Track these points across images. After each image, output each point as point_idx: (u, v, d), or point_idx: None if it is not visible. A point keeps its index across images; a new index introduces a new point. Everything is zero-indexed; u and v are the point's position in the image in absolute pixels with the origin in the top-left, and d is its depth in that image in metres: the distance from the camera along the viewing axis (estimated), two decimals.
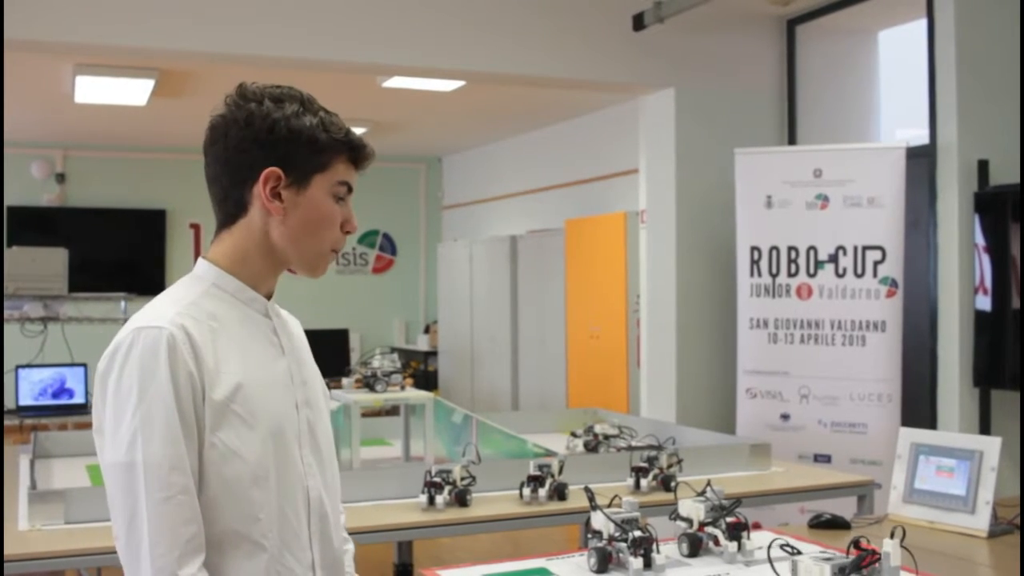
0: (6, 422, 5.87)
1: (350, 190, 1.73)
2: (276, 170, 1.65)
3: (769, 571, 2.18)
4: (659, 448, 3.60)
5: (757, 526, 2.64)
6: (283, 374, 1.72)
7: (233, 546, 1.59)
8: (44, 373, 6.18)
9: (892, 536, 2.06)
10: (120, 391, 1.54)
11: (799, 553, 2.14)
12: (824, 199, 5.04)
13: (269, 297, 1.75)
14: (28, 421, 5.92)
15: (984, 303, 4.71)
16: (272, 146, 1.65)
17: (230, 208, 1.70)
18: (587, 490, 2.35)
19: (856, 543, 2.05)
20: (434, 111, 8.71)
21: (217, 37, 4.73)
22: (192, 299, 1.65)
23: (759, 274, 5.18)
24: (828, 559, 2.05)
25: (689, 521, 2.43)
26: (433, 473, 3.15)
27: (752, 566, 2.35)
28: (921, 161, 4.92)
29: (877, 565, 2.04)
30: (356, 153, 1.72)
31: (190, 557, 1.52)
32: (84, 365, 6.24)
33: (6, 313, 6.08)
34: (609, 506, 2.32)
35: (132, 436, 1.52)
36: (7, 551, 2.60)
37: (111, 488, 1.55)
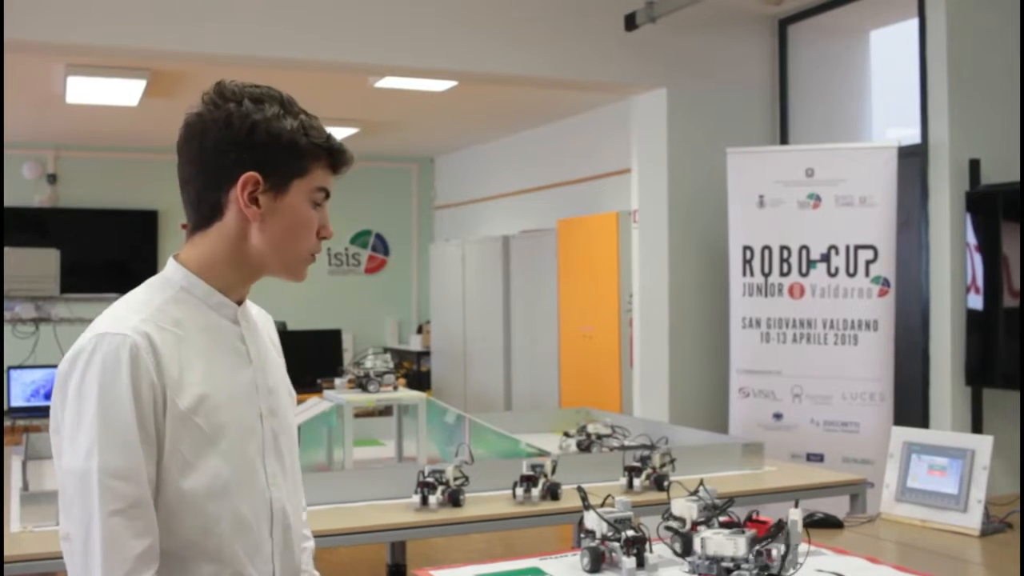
0: None
1: (327, 195, 1.69)
2: (255, 175, 1.61)
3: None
4: (652, 448, 3.60)
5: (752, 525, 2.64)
6: (248, 384, 1.68)
7: (191, 557, 1.57)
8: (36, 374, 6.16)
9: (796, 506, 2.12)
10: (81, 397, 1.51)
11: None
12: (816, 198, 5.05)
13: (240, 303, 1.71)
14: (20, 422, 5.90)
15: (976, 302, 4.72)
16: (251, 149, 1.61)
17: (204, 211, 1.66)
18: (580, 490, 2.35)
19: (751, 517, 2.17)
20: (426, 111, 8.71)
21: (209, 38, 4.72)
22: (158, 304, 1.61)
23: (751, 273, 5.18)
24: (740, 533, 2.11)
25: (682, 520, 2.43)
26: (426, 473, 3.15)
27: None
28: (913, 160, 4.93)
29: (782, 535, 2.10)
30: (335, 158, 1.68)
31: (142, 570, 1.50)
32: None
33: None
34: (602, 506, 2.32)
35: (89, 444, 1.49)
36: None
37: (67, 493, 1.52)
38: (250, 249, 1.65)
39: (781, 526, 2.08)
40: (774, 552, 2.07)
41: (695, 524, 2.41)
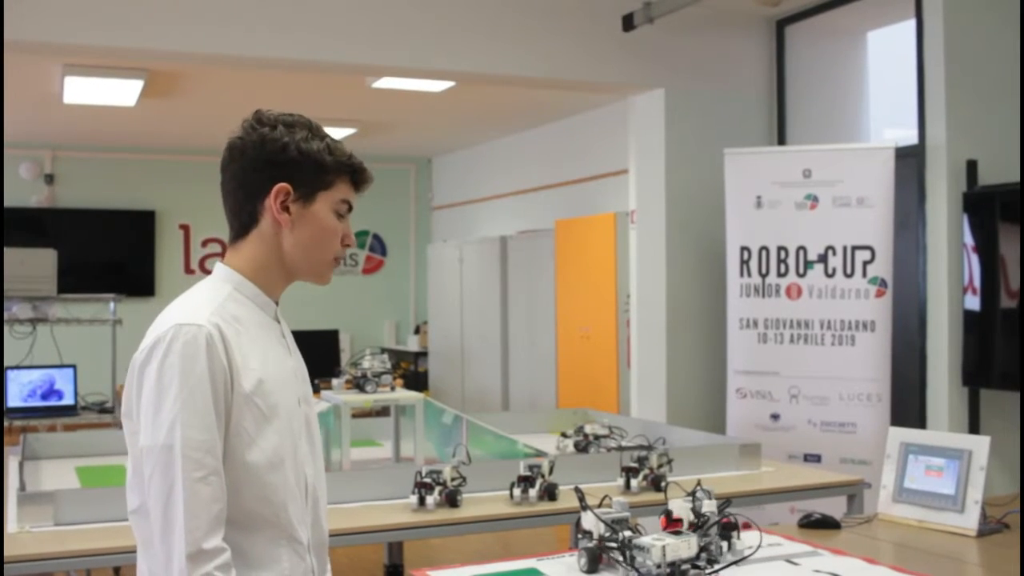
0: None
1: (350, 208, 1.92)
2: (286, 185, 1.84)
3: (759, 571, 2.19)
4: (649, 448, 3.60)
5: (747, 526, 2.65)
6: (291, 372, 1.91)
7: (251, 524, 1.78)
8: (33, 375, 6.15)
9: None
10: (161, 380, 1.71)
11: None
12: (813, 199, 5.05)
13: (277, 303, 1.94)
14: (17, 423, 5.89)
15: (973, 303, 4.72)
16: (283, 165, 1.84)
17: (244, 219, 1.87)
18: (577, 490, 2.35)
19: (667, 513, 2.29)
20: (424, 112, 8.71)
21: (206, 38, 4.71)
22: (220, 302, 1.82)
23: (749, 274, 5.18)
24: (681, 534, 2.22)
25: (679, 521, 2.43)
26: (423, 474, 3.15)
27: (742, 565, 2.36)
28: (910, 161, 4.93)
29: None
30: (357, 175, 1.92)
31: (215, 532, 1.70)
32: (73, 366, 6.22)
33: None
34: (599, 506, 2.33)
35: (172, 421, 1.69)
36: None
37: (143, 469, 1.72)
38: (283, 253, 1.88)
39: (702, 522, 2.26)
40: (713, 547, 2.24)
41: (692, 525, 2.42)
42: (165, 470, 1.70)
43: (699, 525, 2.39)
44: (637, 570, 2.15)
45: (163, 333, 1.74)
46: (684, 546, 2.15)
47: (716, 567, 2.20)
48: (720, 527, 2.39)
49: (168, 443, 1.69)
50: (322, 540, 1.96)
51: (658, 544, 2.13)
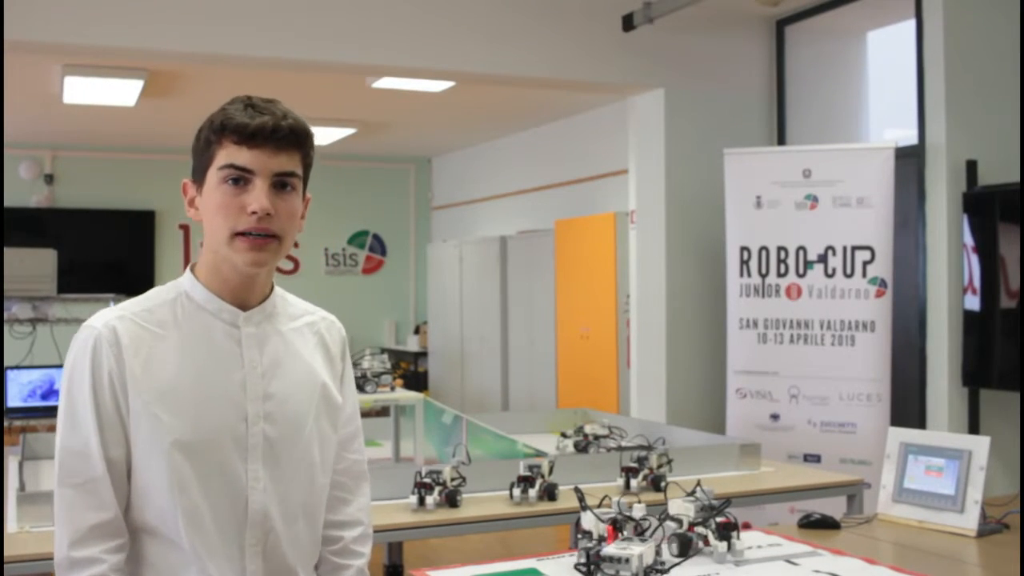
0: None
1: (247, 171, 1.65)
2: (186, 180, 1.74)
3: (759, 571, 2.19)
4: (649, 448, 3.60)
5: (747, 526, 2.65)
6: (235, 386, 1.71)
7: (159, 540, 1.68)
8: (33, 375, 6.15)
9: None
10: (61, 383, 1.69)
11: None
12: (813, 199, 5.05)
13: (254, 306, 1.76)
14: (17, 423, 5.89)
15: (973, 303, 4.72)
16: (193, 158, 1.72)
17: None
18: (577, 490, 2.35)
19: (613, 521, 2.26)
20: (423, 112, 8.71)
21: (206, 38, 4.71)
22: (148, 305, 1.72)
23: (748, 274, 5.18)
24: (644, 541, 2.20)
25: (679, 521, 2.43)
26: (423, 474, 3.15)
27: (742, 566, 2.36)
28: (910, 161, 4.93)
29: None
30: (239, 132, 1.65)
31: (90, 542, 1.62)
32: None
33: None
34: (599, 506, 2.32)
35: (59, 425, 1.67)
36: None
37: None
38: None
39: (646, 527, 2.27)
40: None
41: (692, 525, 2.42)
42: (55, 475, 1.67)
43: (699, 522, 2.40)
44: None
45: (74, 337, 1.71)
46: (650, 551, 2.15)
47: (667, 566, 2.18)
48: (720, 527, 2.40)
49: (56, 447, 1.67)
50: (285, 570, 1.76)
51: (635, 552, 2.13)
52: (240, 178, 1.65)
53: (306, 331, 1.85)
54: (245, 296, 1.75)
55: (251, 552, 1.71)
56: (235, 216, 1.65)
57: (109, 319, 1.68)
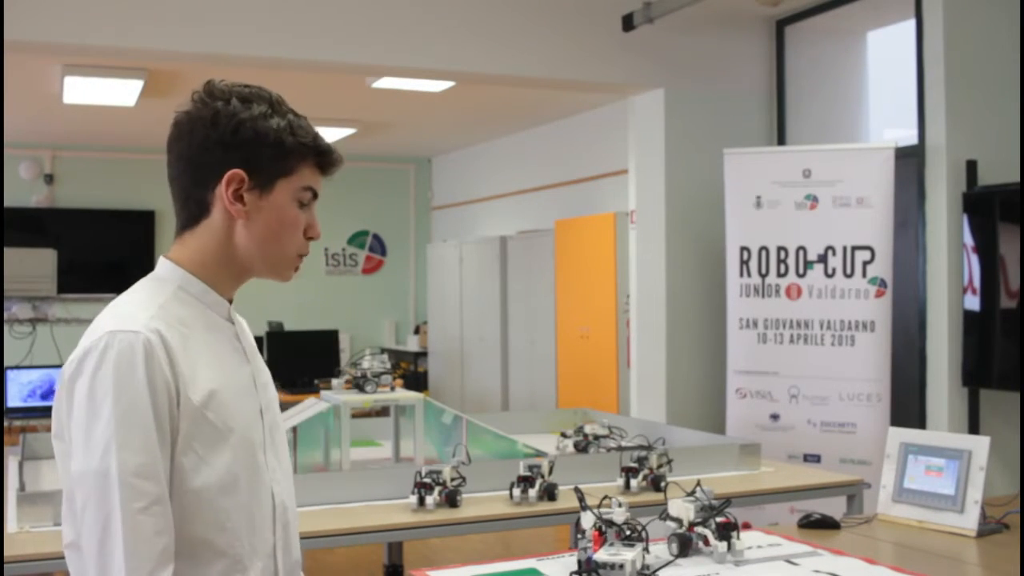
0: None
1: (315, 196, 1.68)
2: (240, 172, 1.61)
3: (759, 571, 2.19)
4: (649, 448, 3.60)
5: (747, 526, 2.65)
6: (247, 379, 1.69)
7: (201, 556, 1.56)
8: (33, 375, 6.16)
9: None
10: (94, 396, 1.48)
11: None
12: (813, 199, 5.05)
13: (231, 302, 1.73)
14: (17, 423, 5.90)
15: (973, 303, 4.72)
16: (237, 147, 1.60)
17: (192, 209, 1.65)
18: (577, 490, 2.35)
19: (598, 527, 2.24)
20: (423, 112, 8.71)
21: (206, 38, 4.71)
22: (161, 302, 1.60)
23: (748, 274, 5.18)
24: (631, 547, 2.22)
25: (679, 521, 2.44)
26: (423, 474, 3.15)
27: (741, 566, 2.36)
28: (910, 161, 4.93)
29: None
30: (323, 158, 1.67)
31: (162, 569, 1.48)
32: None
33: None
34: (599, 506, 2.32)
35: (107, 443, 1.47)
36: None
37: (77, 497, 1.50)
38: (236, 248, 1.65)
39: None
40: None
41: (692, 525, 2.42)
42: (100, 500, 1.46)
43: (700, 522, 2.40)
44: None
45: (95, 342, 1.51)
46: (639, 555, 2.15)
47: (655, 568, 2.19)
48: (720, 527, 2.40)
49: (103, 468, 1.46)
50: (292, 565, 1.73)
51: (628, 557, 2.13)
52: (309, 202, 1.68)
53: (238, 320, 1.79)
54: (230, 293, 1.71)
55: (279, 547, 1.68)
56: (298, 237, 1.68)
57: (146, 322, 1.53)
